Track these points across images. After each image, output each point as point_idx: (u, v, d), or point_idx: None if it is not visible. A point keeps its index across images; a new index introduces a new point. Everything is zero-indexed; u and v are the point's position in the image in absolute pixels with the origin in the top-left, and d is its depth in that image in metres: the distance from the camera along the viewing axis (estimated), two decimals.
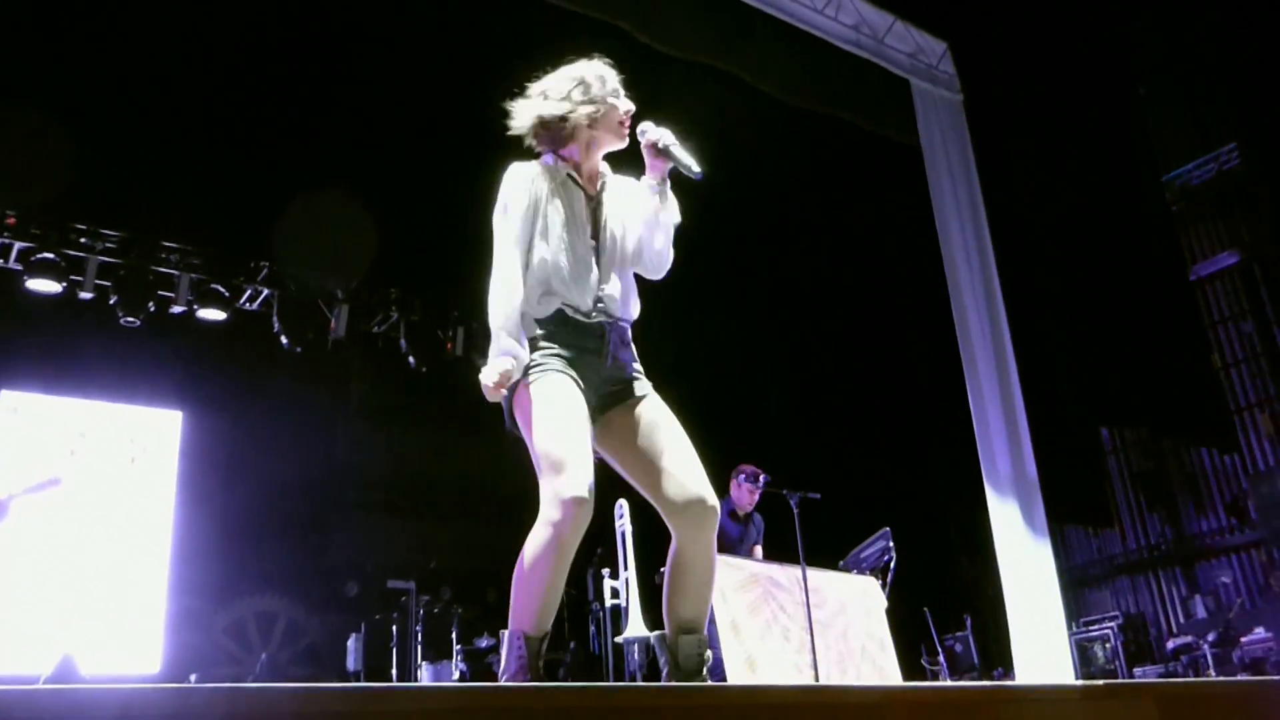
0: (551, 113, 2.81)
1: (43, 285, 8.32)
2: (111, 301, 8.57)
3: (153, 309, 8.77)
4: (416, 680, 7.81)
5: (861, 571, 5.55)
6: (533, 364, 2.73)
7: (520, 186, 2.80)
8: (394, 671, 8.18)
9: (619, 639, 5.25)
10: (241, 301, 9.43)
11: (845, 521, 6.61)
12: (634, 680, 5.04)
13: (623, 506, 5.32)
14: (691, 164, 2.86)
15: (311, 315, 9.60)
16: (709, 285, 10.24)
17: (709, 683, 4.55)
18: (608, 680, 5.76)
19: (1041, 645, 6.67)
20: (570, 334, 2.76)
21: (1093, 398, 7.83)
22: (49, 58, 6.80)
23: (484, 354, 8.84)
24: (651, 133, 2.90)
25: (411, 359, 9.88)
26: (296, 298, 9.47)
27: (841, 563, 5.66)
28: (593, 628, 8.26)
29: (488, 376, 2.63)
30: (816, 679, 4.21)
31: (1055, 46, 9.29)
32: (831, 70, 7.91)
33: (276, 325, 9.34)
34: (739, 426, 9.48)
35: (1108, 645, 9.10)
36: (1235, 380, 10.23)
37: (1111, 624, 9.32)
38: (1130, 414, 8.25)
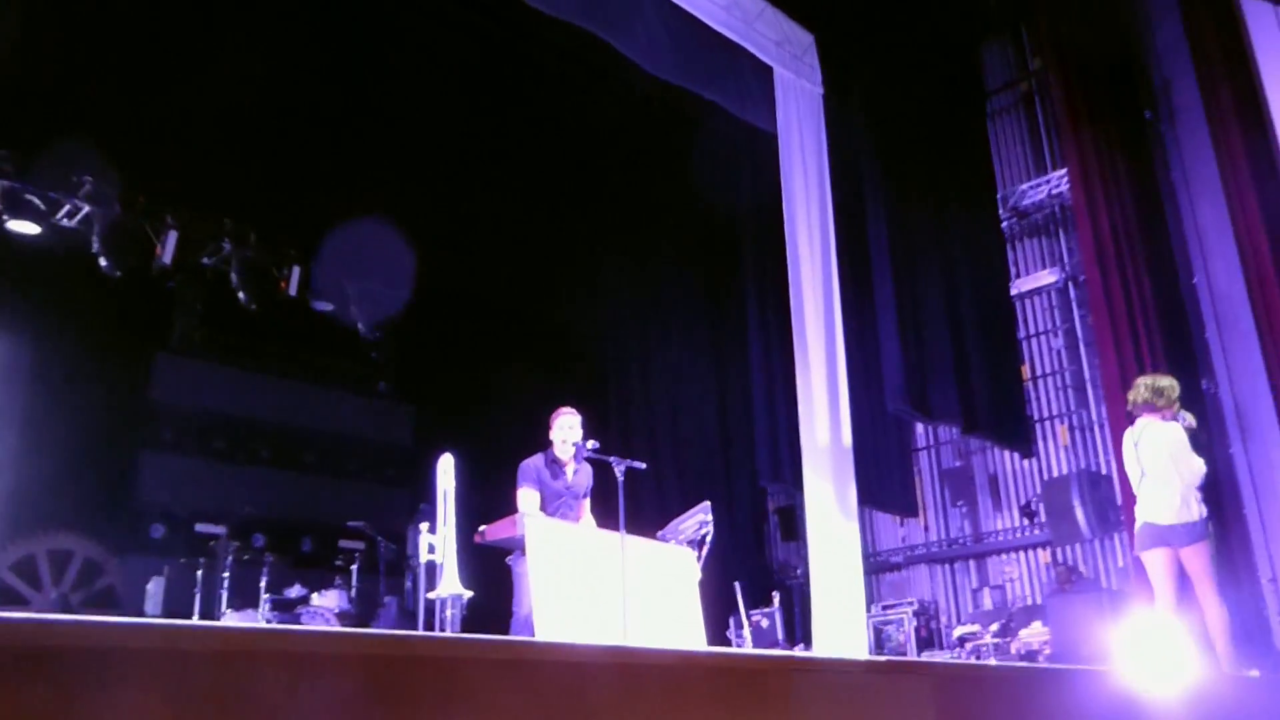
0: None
1: None
2: None
3: None
4: None
5: (679, 543, 5.66)
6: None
7: None
8: (196, 618, 7.87)
9: (432, 595, 5.20)
10: (59, 217, 8.80)
11: (668, 493, 6.76)
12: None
13: (446, 462, 5.25)
14: None
15: (136, 239, 9.06)
16: (565, 257, 10.27)
17: (517, 637, 4.57)
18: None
19: (842, 625, 7.00)
20: None
21: (911, 394, 8.21)
22: None
23: (322, 296, 8.41)
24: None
25: (242, 295, 9.46)
26: (121, 219, 8.91)
27: (660, 533, 5.75)
28: (409, 584, 8.17)
29: None
30: (623, 641, 4.29)
31: (917, 55, 9.65)
32: (698, 47, 7.99)
33: (96, 246, 8.76)
34: (572, 389, 9.55)
35: (902, 629, 9.62)
36: (1041, 391, 10.92)
37: (907, 609, 9.87)
38: (944, 412, 8.70)
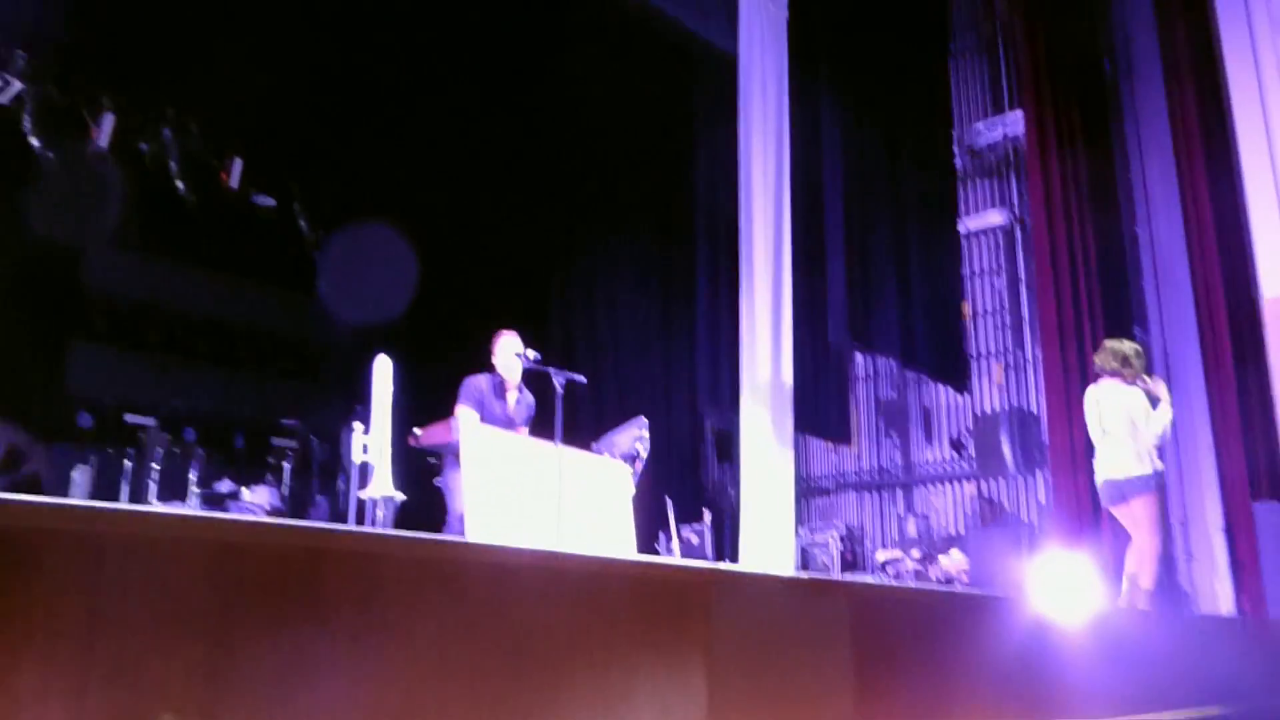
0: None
1: None
2: None
3: None
4: None
5: (613, 455, 5.70)
6: None
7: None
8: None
9: (364, 495, 5.20)
10: None
11: (606, 409, 6.79)
12: None
13: (382, 364, 5.20)
14: None
15: (71, 120, 8.72)
16: (512, 172, 10.11)
17: (441, 535, 4.60)
18: None
19: (770, 545, 7.14)
20: None
21: (853, 324, 8.30)
22: None
23: (264, 191, 8.15)
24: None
25: (181, 185, 9.17)
26: (56, 98, 8.54)
27: (595, 445, 5.79)
28: (341, 484, 8.15)
29: None
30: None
31: None
32: None
33: (28, 125, 8.41)
34: (516, 304, 9.50)
35: (828, 552, 9.89)
36: (980, 329, 11.11)
37: (834, 533, 10.13)
38: (883, 344, 8.83)
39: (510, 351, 5.57)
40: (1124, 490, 5.80)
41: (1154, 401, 5.90)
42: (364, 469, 5.28)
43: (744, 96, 8.11)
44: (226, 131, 9.38)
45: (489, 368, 5.66)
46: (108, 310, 9.63)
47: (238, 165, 9.39)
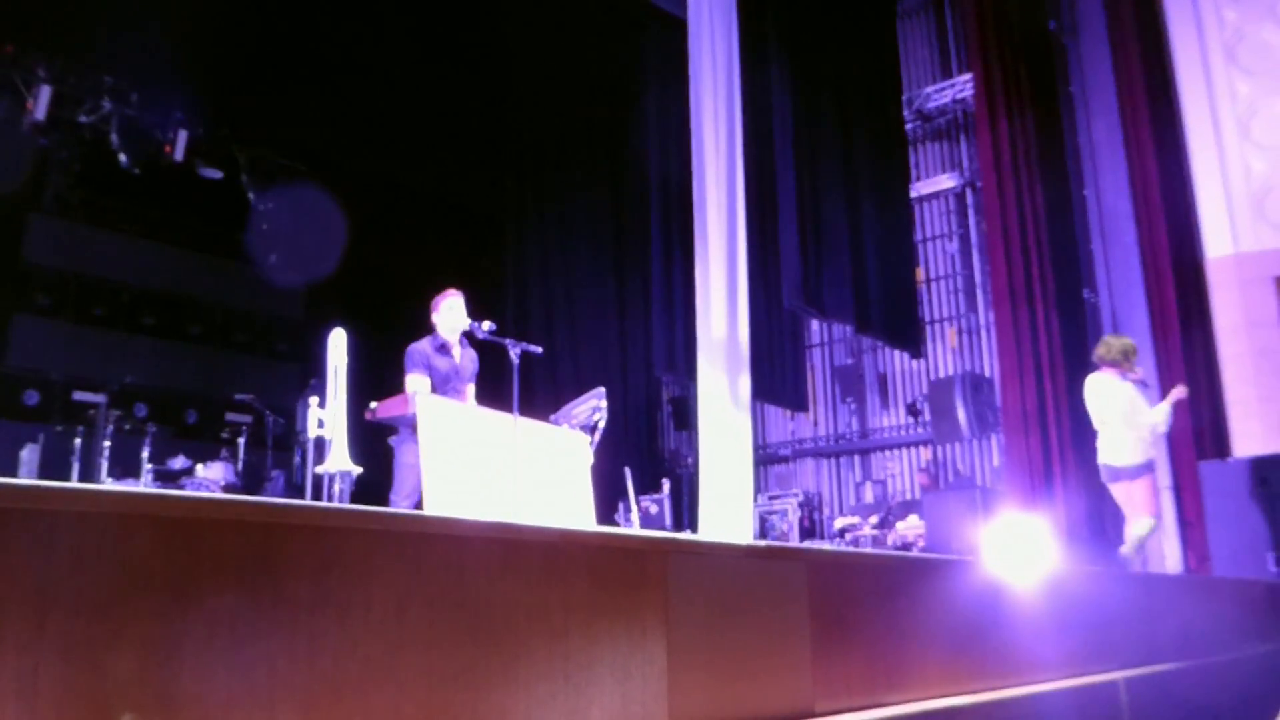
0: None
1: None
2: None
3: None
4: None
5: (571, 427, 5.69)
6: None
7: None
8: None
9: (320, 470, 5.14)
10: None
11: (562, 378, 6.77)
12: None
13: (338, 337, 5.13)
14: None
15: (7, 91, 8.47)
16: (467, 137, 9.99)
17: (399, 509, 4.57)
18: None
19: (728, 513, 7.18)
20: None
21: (808, 291, 8.32)
22: None
23: (211, 163, 7.91)
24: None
25: (123, 157, 8.96)
26: None
27: (553, 416, 5.77)
28: (297, 458, 8.08)
29: None
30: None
31: None
32: None
33: None
34: (470, 274, 9.40)
35: (786, 519, 9.98)
36: (934, 294, 11.21)
37: (792, 500, 10.21)
38: (838, 310, 8.85)
39: (455, 312, 5.49)
40: (1118, 475, 6.30)
41: (1146, 394, 6.32)
42: (320, 443, 5.23)
43: (694, 61, 8.05)
44: (169, 101, 9.17)
45: (429, 330, 5.59)
46: (50, 283, 9.42)
47: (182, 137, 9.19)
